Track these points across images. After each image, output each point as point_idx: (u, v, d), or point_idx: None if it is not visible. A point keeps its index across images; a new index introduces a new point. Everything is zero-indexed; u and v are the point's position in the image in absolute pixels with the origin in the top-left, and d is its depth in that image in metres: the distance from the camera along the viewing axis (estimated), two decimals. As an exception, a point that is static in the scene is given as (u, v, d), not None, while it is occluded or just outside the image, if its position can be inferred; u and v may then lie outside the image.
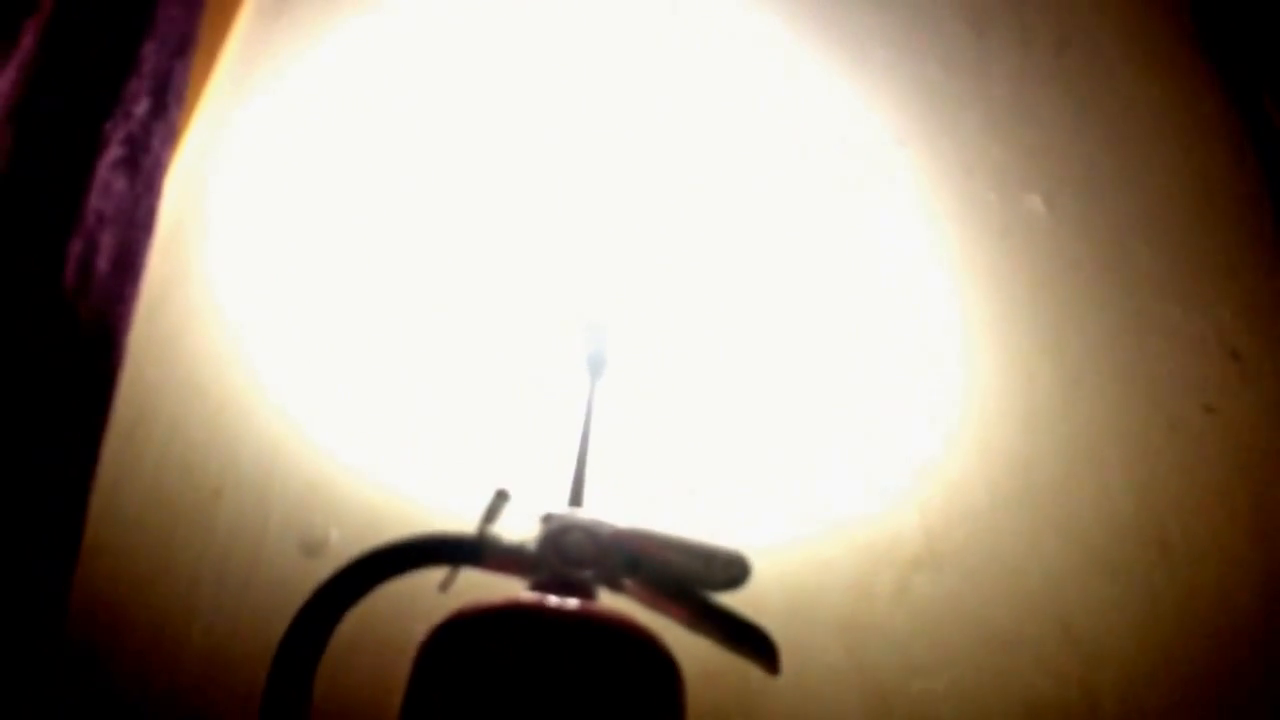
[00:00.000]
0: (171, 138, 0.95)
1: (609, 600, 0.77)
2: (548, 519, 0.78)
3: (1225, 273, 1.04)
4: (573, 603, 0.74)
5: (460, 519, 0.81)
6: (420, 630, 0.74)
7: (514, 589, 0.76)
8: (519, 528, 0.79)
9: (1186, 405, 0.98)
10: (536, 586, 0.77)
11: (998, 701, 0.86)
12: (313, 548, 0.90)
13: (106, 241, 0.87)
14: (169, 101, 0.93)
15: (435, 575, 0.78)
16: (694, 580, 0.78)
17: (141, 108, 0.91)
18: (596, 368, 0.89)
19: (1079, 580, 0.90)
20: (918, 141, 1.12)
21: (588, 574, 0.76)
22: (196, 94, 1.06)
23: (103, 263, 0.86)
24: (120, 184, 0.90)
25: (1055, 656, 0.87)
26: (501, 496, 0.80)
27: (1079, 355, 1.01)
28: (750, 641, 0.78)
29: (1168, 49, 1.18)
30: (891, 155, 1.12)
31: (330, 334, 1.01)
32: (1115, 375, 1.00)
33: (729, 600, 0.78)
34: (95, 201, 0.87)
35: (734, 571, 0.77)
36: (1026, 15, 1.19)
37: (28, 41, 0.82)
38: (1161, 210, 1.08)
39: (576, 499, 0.82)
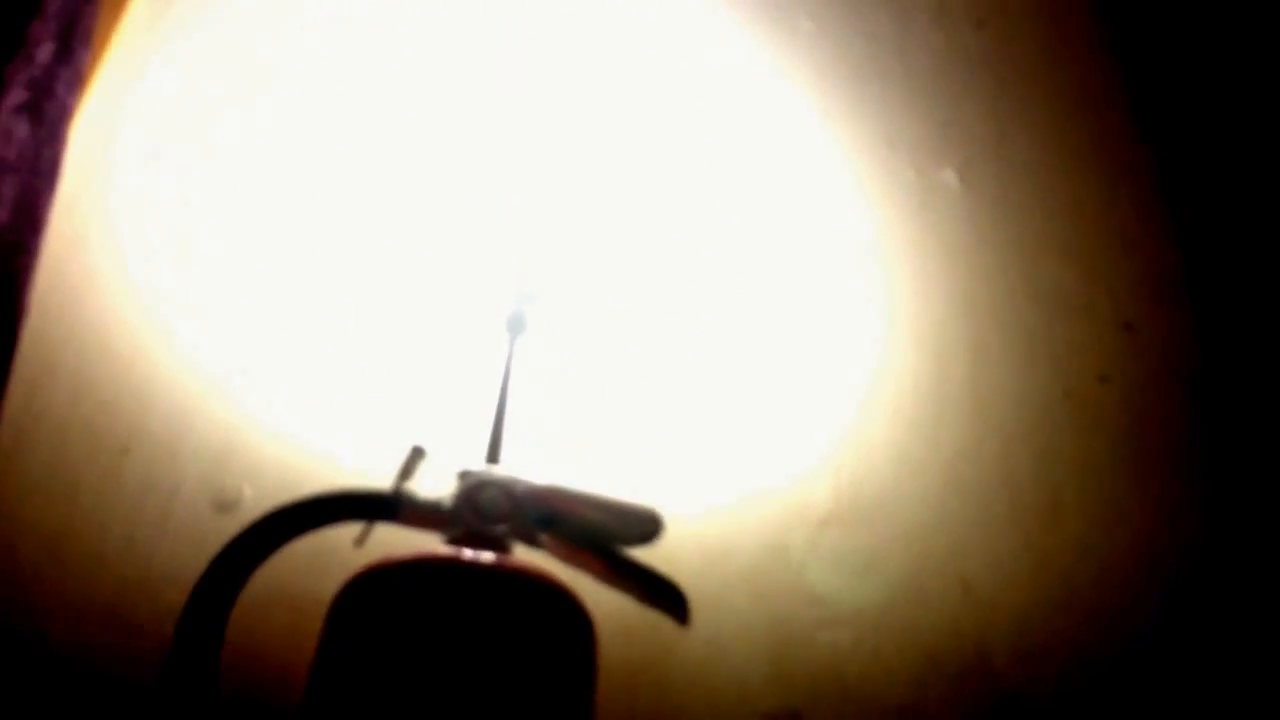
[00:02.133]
0: (78, 83, 0.95)
1: (525, 555, 0.80)
2: (464, 475, 0.81)
3: (1123, 247, 1.12)
4: (487, 556, 0.77)
5: (376, 477, 0.84)
6: (334, 586, 0.76)
7: (430, 545, 0.78)
8: (436, 485, 0.81)
9: (1083, 375, 1.05)
10: (452, 542, 0.79)
11: (899, 653, 0.92)
12: (226, 505, 0.92)
13: (7, 190, 0.87)
14: (75, 46, 0.93)
15: (350, 531, 0.81)
16: (608, 536, 0.82)
17: (46, 51, 0.91)
18: (516, 326, 0.92)
19: (979, 540, 0.96)
20: (841, 114, 1.17)
21: (503, 529, 0.80)
22: (105, 39, 1.06)
23: (3, 212, 0.86)
24: (22, 130, 0.89)
25: (955, 610, 0.93)
26: (418, 453, 0.82)
27: (987, 325, 1.07)
28: (663, 595, 0.82)
29: (1076, 31, 1.25)
30: (815, 127, 1.18)
31: (244, 289, 1.02)
32: (1019, 344, 1.06)
33: (643, 556, 0.82)
34: (-5, 147, 0.86)
35: (648, 527, 0.82)
36: (945, -6, 1.26)
37: (-74, -21, 0.82)
38: (1067, 186, 1.15)
39: (493, 456, 0.85)
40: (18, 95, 0.89)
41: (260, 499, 0.90)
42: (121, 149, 1.05)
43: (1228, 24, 1.19)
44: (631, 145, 1.15)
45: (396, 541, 0.79)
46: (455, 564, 0.76)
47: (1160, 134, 1.18)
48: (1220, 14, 1.20)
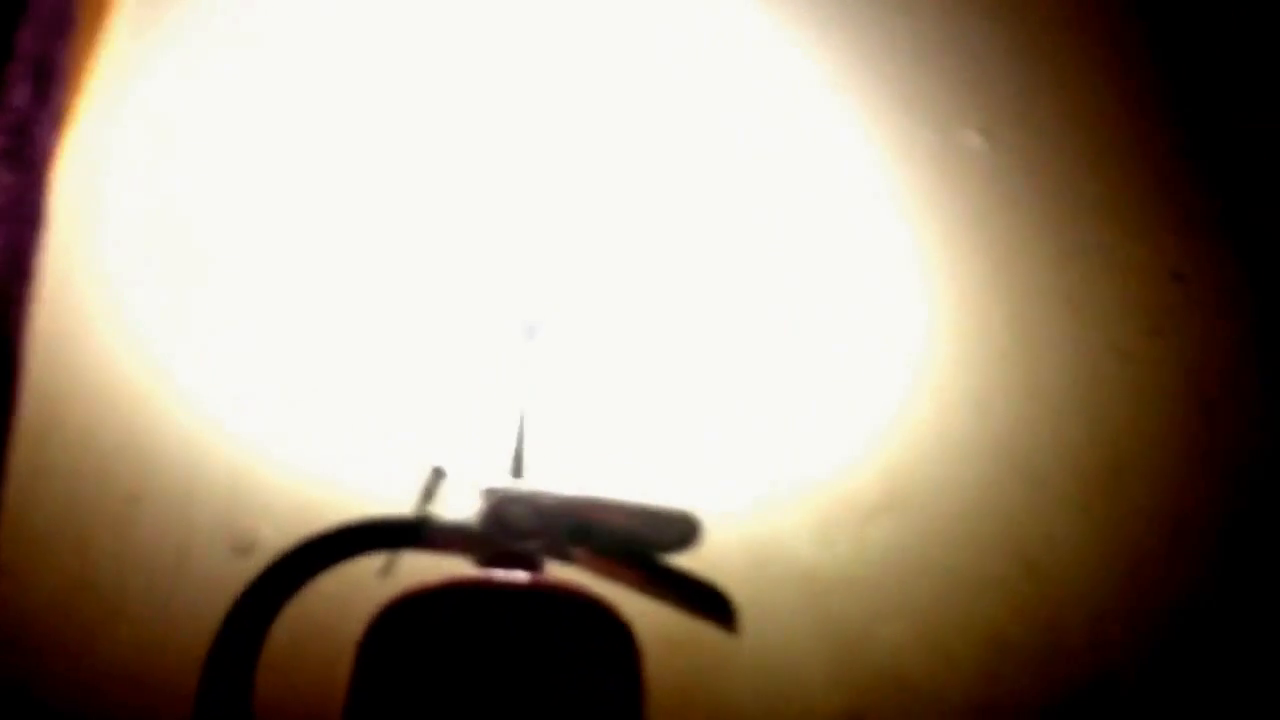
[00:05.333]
0: (58, 124, 0.95)
1: (558, 571, 0.79)
2: (489, 493, 0.80)
3: (1164, 195, 1.09)
4: (520, 576, 0.76)
5: (397, 504, 0.82)
6: (363, 621, 0.75)
7: (459, 570, 0.77)
8: (459, 505, 0.80)
9: (1133, 331, 1.02)
10: (482, 563, 0.78)
11: (965, 644, 0.89)
12: (244, 547, 0.91)
13: (-7, 240, 0.87)
14: (52, 86, 0.93)
15: (374, 562, 0.79)
16: (645, 544, 0.80)
17: (22, 95, 0.90)
18: (531, 332, 0.90)
19: (1039, 517, 0.94)
20: (851, 81, 1.15)
21: (533, 546, 0.78)
22: (83, 76, 1.05)
23: (-9, 264, 0.86)
24: (4, 177, 0.89)
25: (1020, 595, 0.91)
26: (438, 474, 0.81)
27: (1026, 289, 1.05)
28: (708, 602, 0.80)
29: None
30: (825, 98, 1.16)
31: (246, 322, 1.01)
32: (1063, 306, 1.04)
33: (683, 562, 0.80)
34: (-22, 198, 0.86)
35: (684, 531, 0.79)
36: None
37: (-107, 29, 0.82)
38: (1098, 137, 1.13)
39: (517, 470, 0.84)
40: (-3, 142, 0.89)
41: (279, 537, 0.89)
42: (107, 186, 1.05)
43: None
44: (641, 134, 1.13)
45: (423, 569, 0.77)
46: (488, 587, 0.75)
47: (1191, 75, 1.15)
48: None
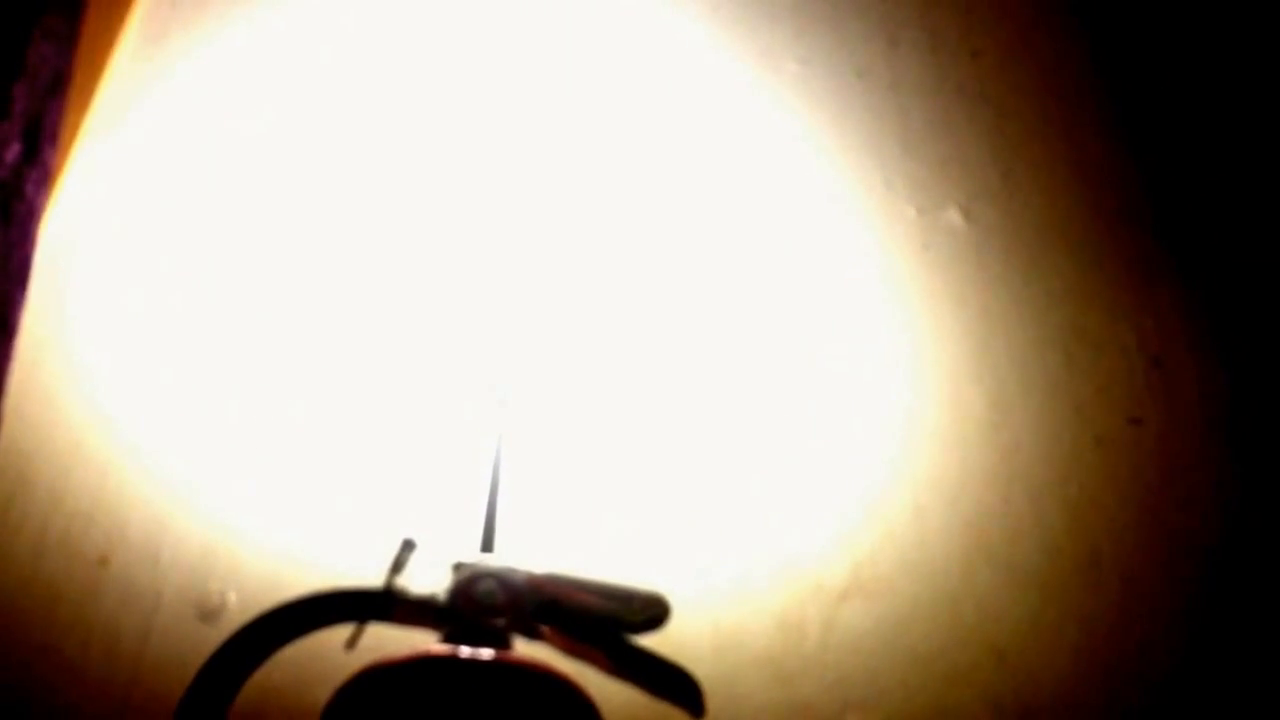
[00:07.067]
0: (46, 182, 0.97)
1: (526, 649, 0.80)
2: (458, 567, 0.81)
3: (1144, 279, 1.11)
4: (486, 652, 0.77)
5: (366, 575, 0.84)
6: (327, 693, 0.76)
7: (426, 643, 0.78)
8: (429, 578, 0.81)
9: (1113, 418, 1.04)
10: (448, 638, 0.79)
11: (934, 733, 0.90)
12: (210, 613, 0.92)
13: (-23, 296, 0.89)
14: (42, 144, 0.95)
15: (340, 634, 0.80)
16: (613, 624, 0.81)
17: (12, 152, 0.93)
18: (504, 407, 0.92)
19: (1012, 604, 0.95)
20: (834, 157, 1.18)
21: (501, 622, 0.79)
22: (72, 134, 1.08)
23: (-27, 319, 0.87)
24: (-9, 234, 0.91)
25: (991, 684, 0.91)
26: (408, 546, 0.82)
27: (1005, 371, 1.07)
28: (674, 685, 0.81)
29: (1072, 56, 1.26)
30: (809, 173, 1.18)
31: (223, 391, 1.02)
32: (1042, 390, 1.05)
33: (651, 643, 0.81)
34: (-37, 254, 0.88)
35: (654, 612, 0.81)
36: (936, 26, 1.26)
37: (-114, 87, 0.84)
38: (1079, 219, 1.15)
39: (488, 545, 0.85)
40: (-15, 198, 0.91)
41: (245, 605, 0.90)
42: (91, 247, 1.07)
43: (1226, 39, 1.20)
44: (620, 205, 1.16)
45: (390, 641, 0.78)
46: (454, 662, 0.76)
47: (1173, 160, 1.18)
48: (1218, 29, 1.21)
